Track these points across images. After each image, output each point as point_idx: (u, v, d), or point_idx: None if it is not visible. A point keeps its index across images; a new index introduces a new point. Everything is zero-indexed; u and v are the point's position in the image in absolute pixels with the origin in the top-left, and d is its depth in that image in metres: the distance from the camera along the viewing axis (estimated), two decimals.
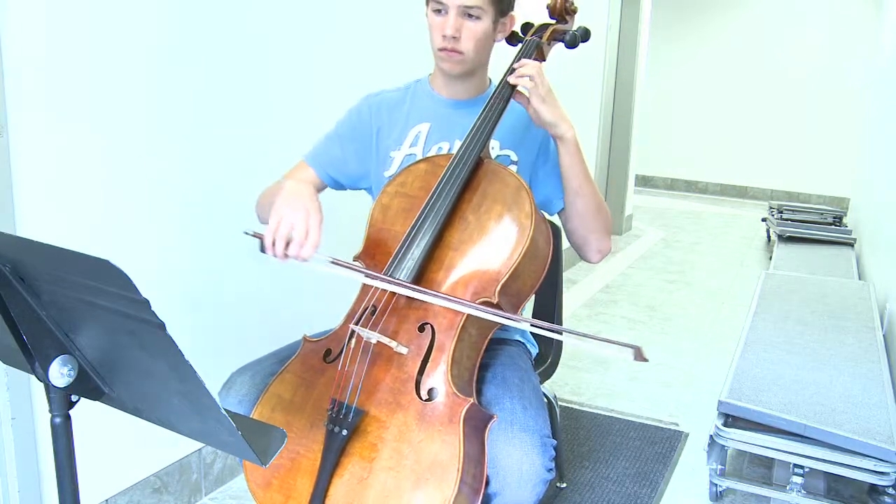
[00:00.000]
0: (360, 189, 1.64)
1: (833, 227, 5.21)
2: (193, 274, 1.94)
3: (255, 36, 2.03)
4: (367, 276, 1.31)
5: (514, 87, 1.42)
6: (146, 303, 0.76)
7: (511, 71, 1.43)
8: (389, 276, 1.30)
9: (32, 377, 1.00)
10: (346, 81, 2.33)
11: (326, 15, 2.27)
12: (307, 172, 1.58)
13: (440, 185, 1.35)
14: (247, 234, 1.32)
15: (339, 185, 1.62)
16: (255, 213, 1.57)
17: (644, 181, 8.28)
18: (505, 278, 1.28)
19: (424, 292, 1.26)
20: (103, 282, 0.78)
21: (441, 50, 1.45)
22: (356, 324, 1.31)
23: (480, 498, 1.21)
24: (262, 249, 1.29)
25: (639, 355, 1.12)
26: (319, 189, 1.58)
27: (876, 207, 4.42)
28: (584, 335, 1.26)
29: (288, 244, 1.28)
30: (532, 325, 1.27)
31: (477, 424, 1.23)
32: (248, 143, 2.01)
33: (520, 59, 1.45)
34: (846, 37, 7.37)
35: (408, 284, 1.28)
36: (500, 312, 1.26)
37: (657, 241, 5.77)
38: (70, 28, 1.56)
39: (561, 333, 1.31)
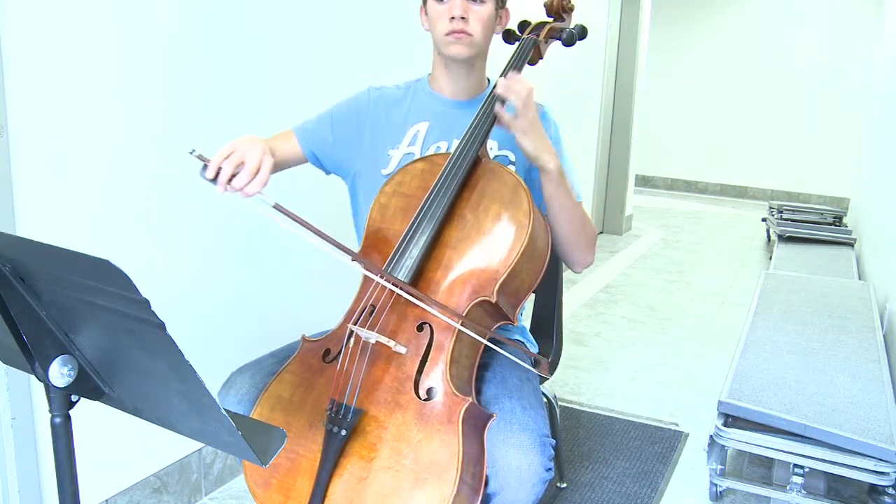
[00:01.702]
0: (340, 176, 1.62)
1: (833, 227, 5.21)
2: (193, 274, 1.94)
3: (255, 36, 2.03)
4: (314, 232, 1.23)
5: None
6: (146, 303, 0.76)
7: (509, 68, 1.42)
8: (389, 273, 1.30)
9: (32, 377, 1.00)
10: (346, 81, 2.33)
11: (326, 14, 2.27)
12: (291, 142, 1.56)
13: (438, 184, 1.35)
14: (192, 153, 1.21)
15: (319, 165, 1.60)
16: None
17: (644, 181, 8.28)
18: (503, 277, 1.28)
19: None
20: (103, 282, 0.78)
21: (449, 34, 1.44)
22: (355, 323, 1.31)
23: (480, 497, 1.22)
24: (205, 174, 1.23)
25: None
26: (297, 162, 1.57)
27: (876, 207, 4.42)
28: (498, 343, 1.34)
29: (234, 178, 1.24)
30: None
31: (476, 424, 1.23)
32: None
33: (516, 59, 1.46)
34: (846, 37, 7.37)
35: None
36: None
37: (657, 241, 5.77)
38: (70, 28, 1.56)
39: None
